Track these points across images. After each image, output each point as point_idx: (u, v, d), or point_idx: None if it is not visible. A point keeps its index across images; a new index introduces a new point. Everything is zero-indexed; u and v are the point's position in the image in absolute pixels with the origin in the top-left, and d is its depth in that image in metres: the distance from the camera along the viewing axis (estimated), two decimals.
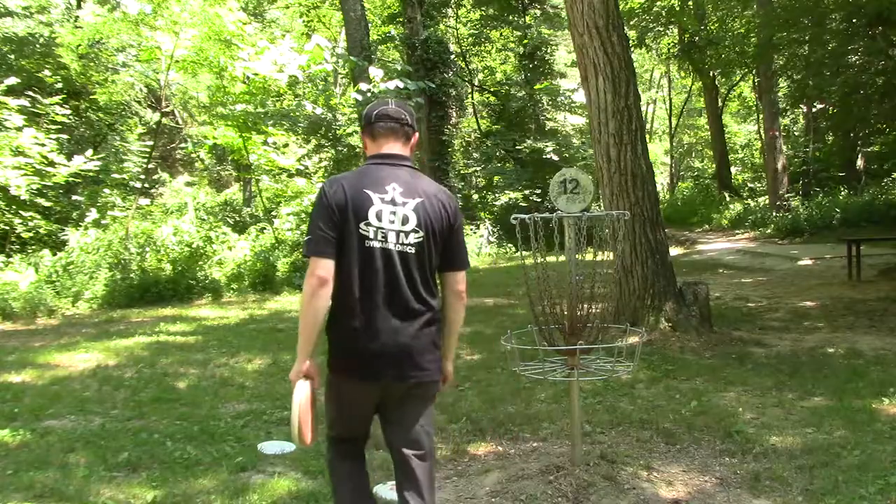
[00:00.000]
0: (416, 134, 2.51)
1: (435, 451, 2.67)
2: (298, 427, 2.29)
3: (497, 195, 18.98)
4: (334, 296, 2.29)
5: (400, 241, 2.31)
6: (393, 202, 2.31)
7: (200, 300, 10.73)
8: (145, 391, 5.28)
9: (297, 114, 14.03)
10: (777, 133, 17.52)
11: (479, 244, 16.16)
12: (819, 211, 16.49)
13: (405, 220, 2.31)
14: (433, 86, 16.64)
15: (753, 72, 20.81)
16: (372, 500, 2.61)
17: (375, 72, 13.26)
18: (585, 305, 3.30)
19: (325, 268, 2.24)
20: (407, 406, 2.42)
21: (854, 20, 11.20)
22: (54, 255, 11.03)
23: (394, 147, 2.42)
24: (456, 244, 2.45)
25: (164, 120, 17.60)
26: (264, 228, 13.46)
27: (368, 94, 13.40)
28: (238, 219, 16.15)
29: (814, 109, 18.53)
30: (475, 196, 20.64)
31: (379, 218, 2.29)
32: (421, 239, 2.33)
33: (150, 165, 15.49)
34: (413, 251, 2.32)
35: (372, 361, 2.30)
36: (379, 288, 2.29)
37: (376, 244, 2.29)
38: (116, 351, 6.78)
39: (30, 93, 12.99)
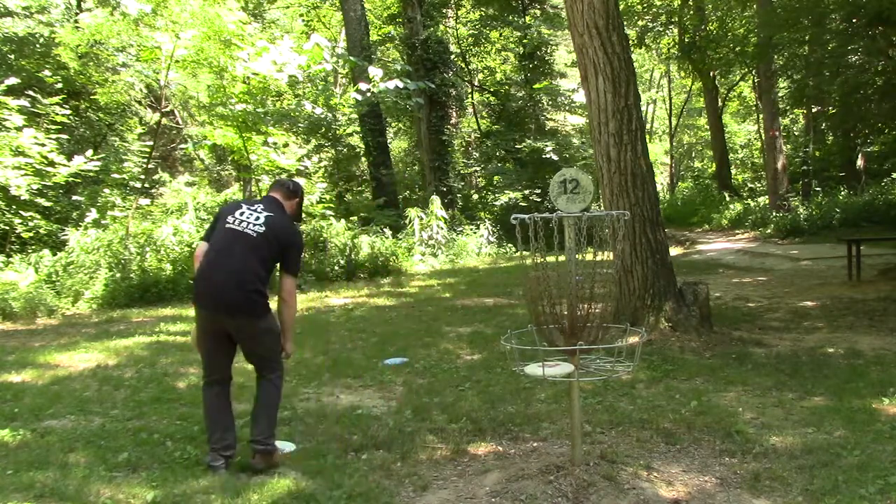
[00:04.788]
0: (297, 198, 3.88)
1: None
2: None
3: (497, 195, 18.98)
4: None
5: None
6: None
7: None
8: (145, 391, 5.28)
9: (297, 114, 14.00)
10: (777, 133, 17.51)
11: (479, 244, 16.15)
12: (819, 211, 16.48)
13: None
14: (433, 86, 16.63)
15: (753, 72, 20.81)
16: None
17: (375, 72, 13.25)
18: (585, 305, 3.30)
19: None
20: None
21: (854, 20, 11.18)
22: (54, 254, 11.01)
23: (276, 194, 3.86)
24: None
25: (164, 120, 17.59)
26: None
27: (368, 94, 13.41)
28: None
29: (813, 110, 18.53)
30: (475, 196, 20.63)
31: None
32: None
33: (150, 165, 15.47)
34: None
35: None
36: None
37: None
38: (116, 351, 6.78)
39: (30, 93, 12.98)
